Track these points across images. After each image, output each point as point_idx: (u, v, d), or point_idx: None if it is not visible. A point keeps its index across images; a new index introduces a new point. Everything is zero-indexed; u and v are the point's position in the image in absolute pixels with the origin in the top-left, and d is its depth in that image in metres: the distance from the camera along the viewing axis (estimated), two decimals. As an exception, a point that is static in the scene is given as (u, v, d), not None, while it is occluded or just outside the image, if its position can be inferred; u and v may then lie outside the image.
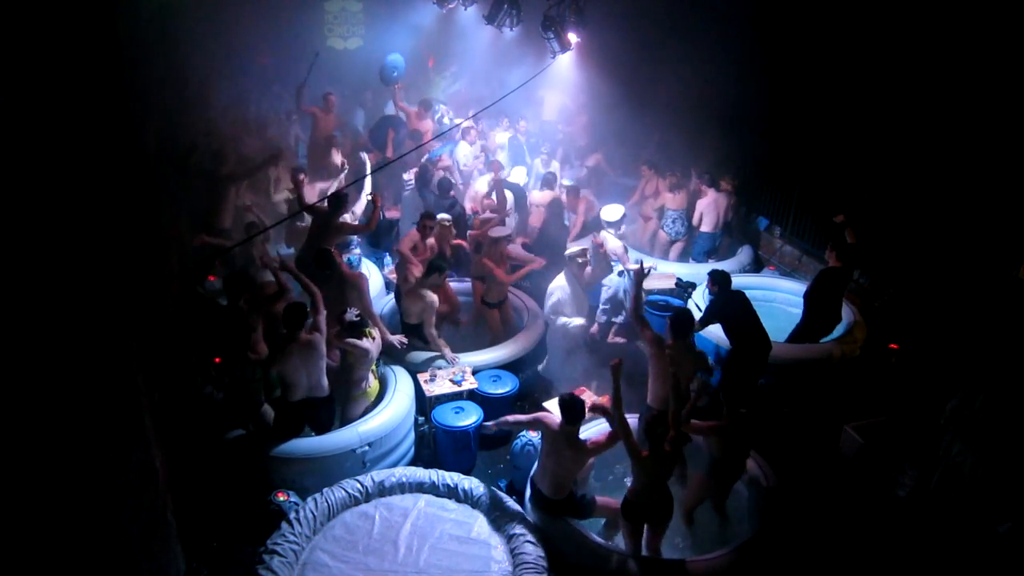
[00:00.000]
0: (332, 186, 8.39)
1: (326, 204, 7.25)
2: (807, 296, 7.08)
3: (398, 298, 7.21)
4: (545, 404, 6.30)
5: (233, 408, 5.86)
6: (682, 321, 5.61)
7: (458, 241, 7.94)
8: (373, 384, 6.12)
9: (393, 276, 8.29)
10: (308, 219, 7.61)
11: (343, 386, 6.01)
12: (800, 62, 8.63)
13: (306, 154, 10.25)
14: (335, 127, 10.26)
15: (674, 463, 4.89)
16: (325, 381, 5.69)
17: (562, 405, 4.95)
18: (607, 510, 5.18)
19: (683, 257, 9.47)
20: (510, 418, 5.40)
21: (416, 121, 10.53)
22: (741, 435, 5.08)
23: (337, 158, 9.23)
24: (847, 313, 7.48)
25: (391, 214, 9.73)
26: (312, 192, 8.39)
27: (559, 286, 6.96)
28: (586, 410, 5.00)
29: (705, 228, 9.22)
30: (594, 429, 5.69)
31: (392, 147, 9.75)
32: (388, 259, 8.95)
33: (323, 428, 5.79)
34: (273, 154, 8.49)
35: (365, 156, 8.74)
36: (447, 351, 6.71)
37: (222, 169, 7.97)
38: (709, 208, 9.14)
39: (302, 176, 8.37)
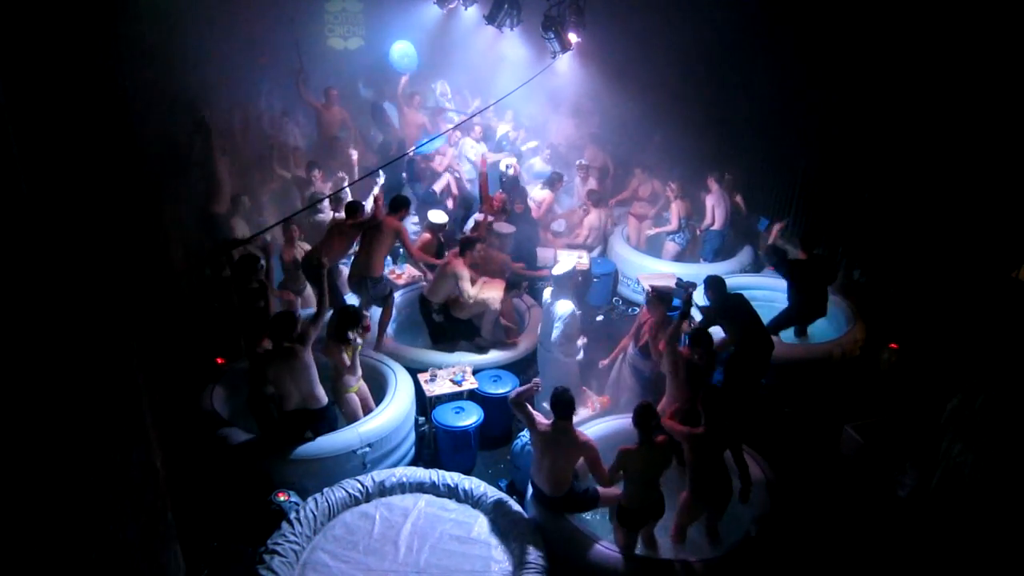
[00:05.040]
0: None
1: (344, 213, 7.40)
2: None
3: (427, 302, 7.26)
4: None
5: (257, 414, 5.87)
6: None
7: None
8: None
9: (395, 277, 8.28)
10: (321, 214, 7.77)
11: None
12: (800, 61, 8.63)
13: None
14: (340, 123, 10.25)
15: (666, 459, 4.87)
16: (319, 392, 5.56)
17: (553, 400, 4.96)
18: (610, 500, 5.18)
19: (690, 258, 9.45)
20: (525, 400, 5.16)
21: (409, 116, 10.56)
22: (716, 447, 4.89)
23: (354, 154, 9.17)
24: (847, 313, 7.49)
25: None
26: (325, 190, 8.44)
27: (568, 312, 6.43)
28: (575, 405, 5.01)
29: (716, 226, 9.13)
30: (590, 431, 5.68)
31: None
32: (388, 261, 8.93)
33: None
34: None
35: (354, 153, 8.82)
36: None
37: (206, 140, 8.00)
38: (718, 204, 9.10)
39: (317, 172, 8.44)
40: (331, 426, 5.75)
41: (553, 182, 9.35)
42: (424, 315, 7.35)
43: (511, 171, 9.14)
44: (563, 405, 4.93)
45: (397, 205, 7.40)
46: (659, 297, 6.29)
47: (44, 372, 3.01)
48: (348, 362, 5.87)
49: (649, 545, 5.05)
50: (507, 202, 8.29)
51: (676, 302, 7.63)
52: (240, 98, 10.06)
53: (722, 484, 4.97)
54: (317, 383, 5.55)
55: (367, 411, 6.03)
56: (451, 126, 10.05)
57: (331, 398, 5.80)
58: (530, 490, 5.32)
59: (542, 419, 5.08)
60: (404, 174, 9.93)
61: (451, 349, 7.18)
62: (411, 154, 9.43)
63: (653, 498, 4.88)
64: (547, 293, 6.73)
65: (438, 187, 9.72)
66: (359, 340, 6.04)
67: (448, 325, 7.19)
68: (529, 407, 5.14)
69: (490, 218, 8.04)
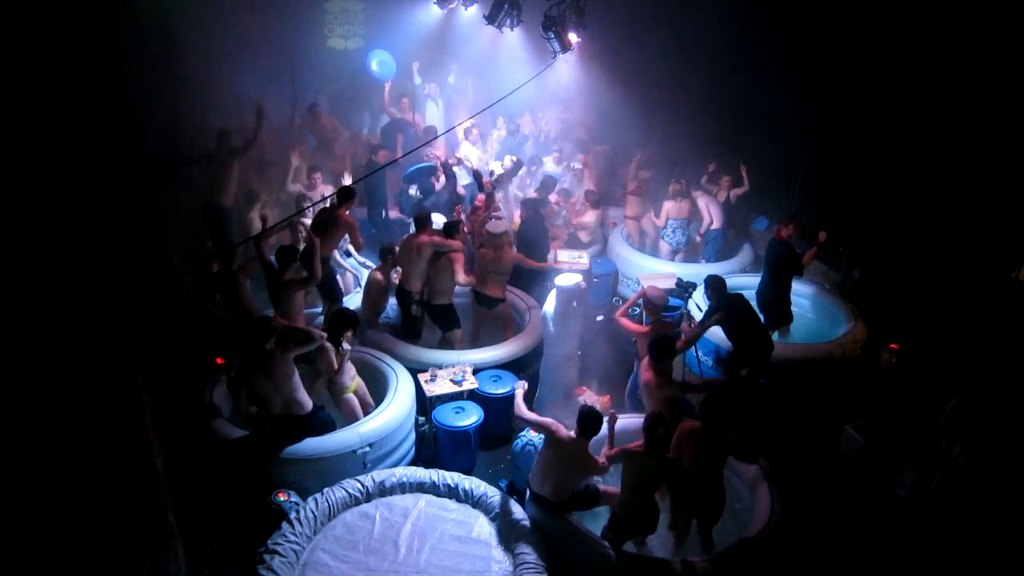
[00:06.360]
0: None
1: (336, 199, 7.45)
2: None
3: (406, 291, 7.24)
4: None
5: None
6: (663, 345, 5.51)
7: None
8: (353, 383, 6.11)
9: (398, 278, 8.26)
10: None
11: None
12: (802, 62, 8.63)
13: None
14: (333, 129, 10.27)
15: (663, 471, 4.83)
16: (302, 398, 5.48)
17: (581, 417, 4.89)
18: (611, 498, 5.15)
19: (690, 257, 9.44)
20: (526, 414, 5.20)
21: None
22: (713, 449, 4.87)
23: (347, 165, 9.20)
24: (847, 313, 7.48)
25: (393, 214, 9.93)
26: (326, 191, 8.48)
27: (570, 284, 6.69)
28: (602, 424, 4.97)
29: (715, 225, 9.10)
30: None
31: (400, 150, 9.88)
32: None
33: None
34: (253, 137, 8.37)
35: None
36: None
37: (225, 146, 8.03)
38: (711, 203, 9.09)
39: (317, 175, 8.48)
40: (320, 432, 5.62)
41: (545, 192, 9.26)
42: (402, 307, 7.35)
43: (501, 169, 9.20)
44: (589, 423, 4.87)
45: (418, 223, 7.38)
46: (650, 307, 6.25)
47: (45, 372, 3.02)
48: (336, 365, 5.84)
49: (639, 548, 5.04)
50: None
51: (676, 301, 7.66)
52: (246, 98, 10.07)
53: (714, 493, 4.96)
54: (299, 388, 5.47)
55: (366, 410, 6.03)
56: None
57: (318, 404, 5.72)
58: (528, 494, 5.29)
59: (563, 429, 5.00)
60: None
61: (420, 339, 7.24)
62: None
63: (647, 510, 4.84)
64: (548, 305, 6.70)
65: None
66: (346, 346, 5.99)
67: (430, 316, 7.20)
68: (544, 420, 5.10)
69: (493, 215, 8.04)
